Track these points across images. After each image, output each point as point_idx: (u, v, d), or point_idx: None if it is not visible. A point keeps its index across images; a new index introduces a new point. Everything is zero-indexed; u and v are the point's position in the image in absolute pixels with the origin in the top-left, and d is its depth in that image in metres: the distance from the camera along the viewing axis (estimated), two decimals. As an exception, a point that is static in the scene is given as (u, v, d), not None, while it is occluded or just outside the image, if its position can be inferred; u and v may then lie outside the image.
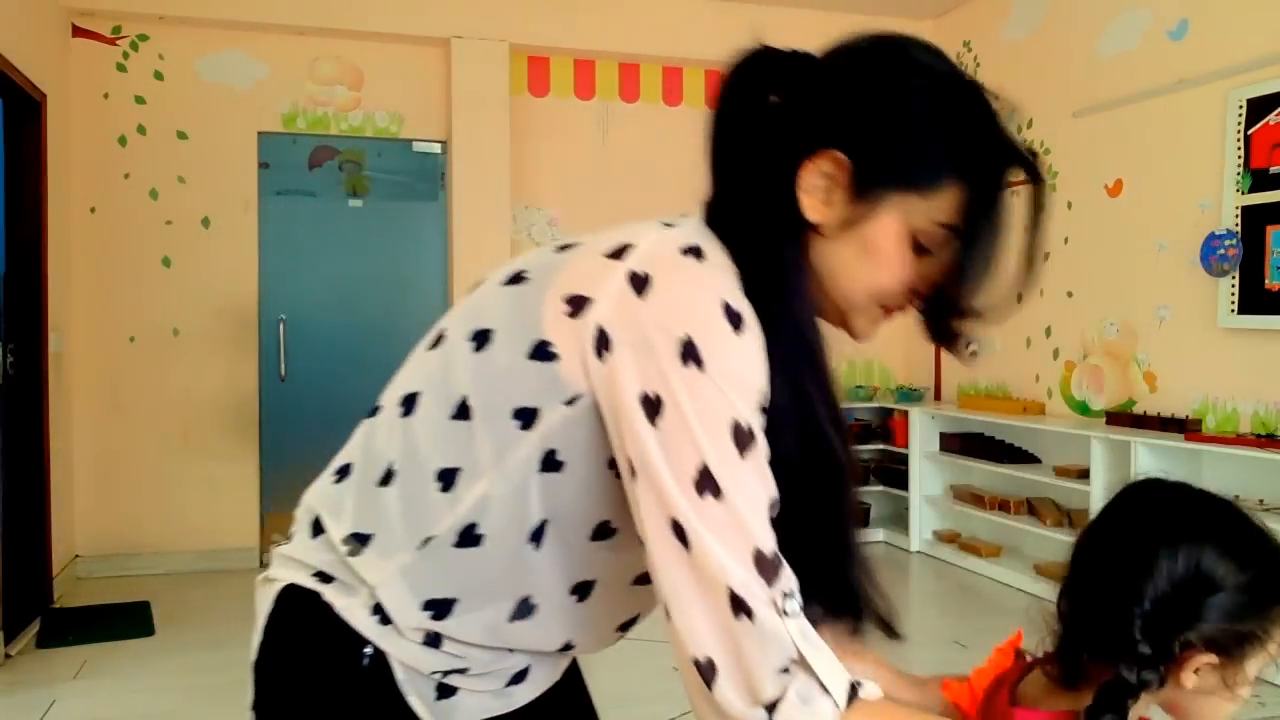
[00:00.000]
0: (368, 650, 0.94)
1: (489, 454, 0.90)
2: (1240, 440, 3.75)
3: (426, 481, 0.93)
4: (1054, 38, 5.04)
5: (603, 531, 0.93)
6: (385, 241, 5.39)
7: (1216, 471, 4.03)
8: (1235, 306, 3.96)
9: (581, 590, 0.97)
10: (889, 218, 0.90)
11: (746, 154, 0.99)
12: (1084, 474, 4.36)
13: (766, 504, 0.82)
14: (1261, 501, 3.79)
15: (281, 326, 5.21)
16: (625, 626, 1.07)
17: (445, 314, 1.03)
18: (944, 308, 0.97)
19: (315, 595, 0.96)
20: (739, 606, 0.78)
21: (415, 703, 0.96)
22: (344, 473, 1.04)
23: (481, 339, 0.92)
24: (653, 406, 0.81)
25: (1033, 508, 4.89)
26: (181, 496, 5.07)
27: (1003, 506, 5.02)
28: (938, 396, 5.99)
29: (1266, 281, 3.84)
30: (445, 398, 0.93)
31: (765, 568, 0.80)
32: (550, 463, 0.89)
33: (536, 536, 0.92)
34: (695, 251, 0.89)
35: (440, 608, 0.94)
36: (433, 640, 0.95)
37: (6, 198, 4.16)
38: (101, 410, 4.98)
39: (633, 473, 0.83)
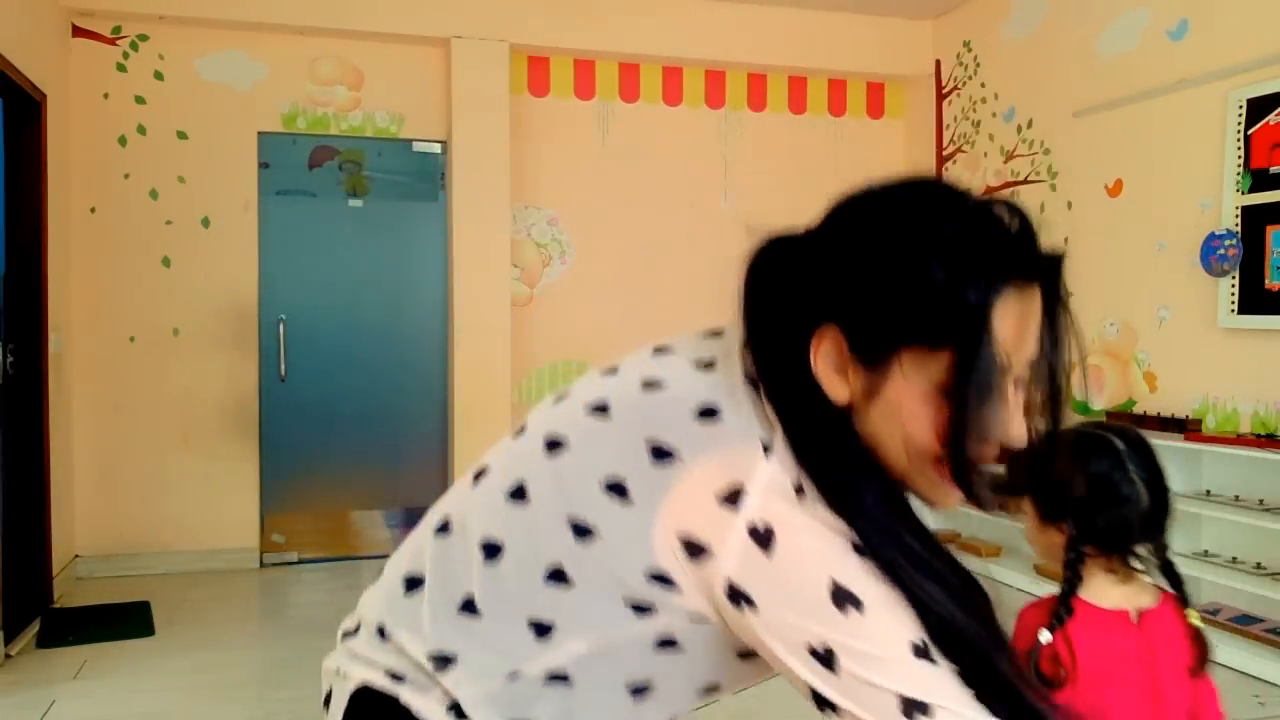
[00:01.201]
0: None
1: (594, 622, 0.90)
2: (1240, 440, 3.75)
3: (518, 625, 0.94)
4: (1054, 38, 5.04)
5: (710, 689, 0.98)
6: (385, 241, 5.39)
7: (1216, 471, 4.03)
8: (1235, 306, 3.96)
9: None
10: (902, 376, 0.85)
11: (773, 351, 0.92)
12: (1084, 474, 4.36)
13: (914, 645, 0.84)
14: (1262, 501, 3.79)
15: (281, 326, 5.21)
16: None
17: (530, 415, 1.06)
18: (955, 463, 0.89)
19: (390, 696, 0.98)
20: None
21: None
22: (415, 585, 1.03)
23: (579, 527, 0.91)
24: (826, 660, 0.82)
25: (1033, 508, 4.89)
26: (181, 496, 5.07)
27: (1003, 506, 5.01)
28: (938, 396, 5.98)
29: (1266, 281, 3.84)
30: (536, 558, 0.93)
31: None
32: (667, 643, 0.91)
33: (639, 691, 0.94)
34: (800, 490, 0.86)
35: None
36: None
37: (6, 198, 4.16)
38: (101, 410, 4.98)
39: (828, 705, 0.84)
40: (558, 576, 0.91)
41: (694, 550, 0.85)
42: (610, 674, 0.92)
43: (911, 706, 0.81)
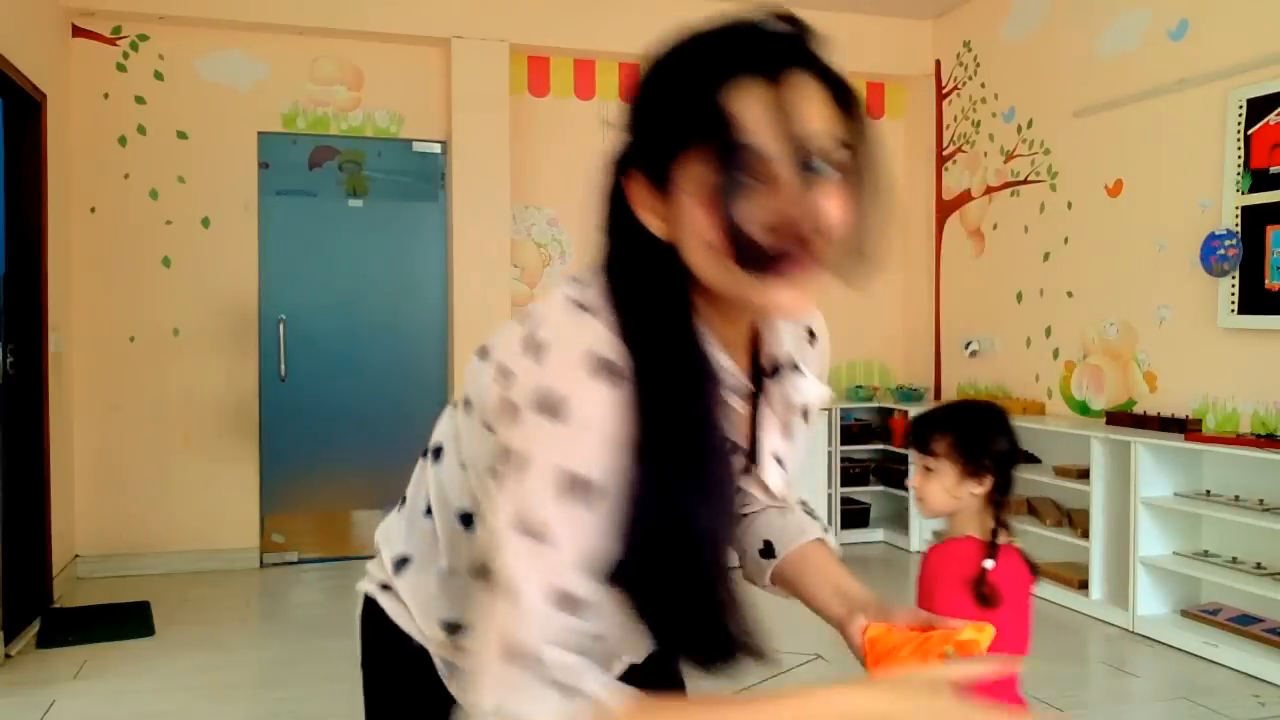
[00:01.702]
0: (412, 646, 1.09)
1: (485, 502, 0.98)
2: (1240, 440, 3.75)
3: (451, 518, 1.05)
4: (1054, 38, 5.04)
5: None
6: (385, 241, 5.39)
7: (1216, 471, 4.03)
8: (1235, 306, 3.96)
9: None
10: (686, 190, 0.84)
11: (606, 202, 0.95)
12: (1084, 474, 4.36)
13: (588, 552, 0.84)
14: (1262, 501, 3.79)
15: (281, 326, 5.21)
16: None
17: None
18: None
19: (377, 603, 1.13)
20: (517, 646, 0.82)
21: (455, 688, 1.07)
22: (401, 502, 1.16)
23: (468, 405, 1.01)
24: (506, 456, 0.86)
25: (1033, 508, 4.89)
26: (181, 496, 5.07)
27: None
28: (938, 396, 5.98)
29: (1266, 281, 3.84)
30: (457, 452, 1.03)
31: (563, 605, 0.83)
32: None
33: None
34: (580, 306, 0.89)
35: (453, 629, 1.06)
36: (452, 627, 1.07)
37: (6, 198, 4.16)
38: (101, 410, 4.98)
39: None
40: (463, 465, 1.02)
41: (501, 375, 0.91)
42: None
43: (527, 525, 0.83)
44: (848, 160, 0.88)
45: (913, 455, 1.74)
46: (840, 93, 0.89)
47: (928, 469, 1.70)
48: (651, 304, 0.89)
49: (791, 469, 1.08)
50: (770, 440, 1.02)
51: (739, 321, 0.96)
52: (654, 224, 0.88)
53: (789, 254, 0.83)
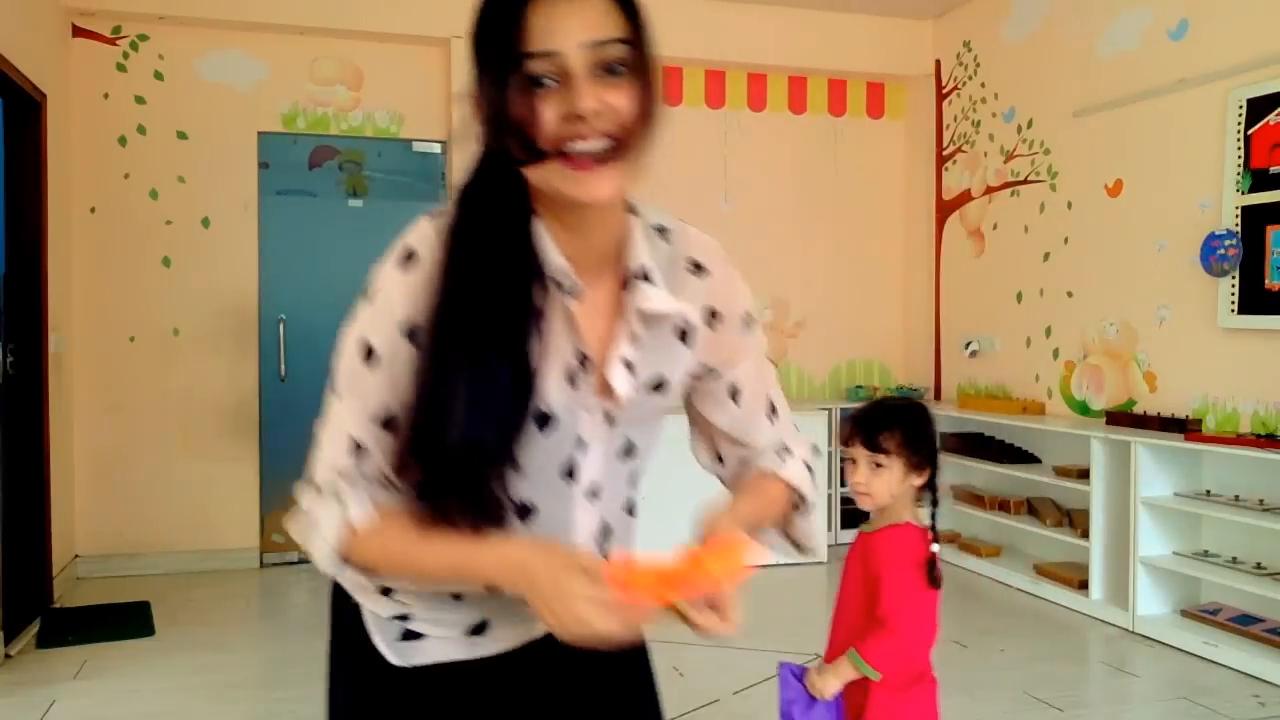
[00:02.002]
0: (350, 607, 1.16)
1: None
2: (1240, 440, 3.75)
3: None
4: (1054, 38, 5.04)
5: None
6: (385, 241, 5.22)
7: (1216, 471, 4.03)
8: (1235, 306, 3.96)
9: None
10: (510, 96, 0.96)
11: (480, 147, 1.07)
12: (1084, 474, 4.36)
13: (372, 407, 1.03)
14: (1262, 501, 3.79)
15: (281, 326, 5.21)
16: None
17: None
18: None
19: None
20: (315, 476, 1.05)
21: (378, 641, 1.13)
22: None
23: None
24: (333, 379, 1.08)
25: (1033, 508, 4.89)
26: (181, 496, 5.07)
27: (1003, 506, 5.02)
28: (938, 396, 5.98)
29: (1266, 281, 3.84)
30: None
31: (349, 448, 1.04)
32: None
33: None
34: (430, 215, 1.07)
35: (388, 590, 1.13)
36: (386, 590, 1.11)
37: (6, 198, 4.16)
38: (101, 410, 4.98)
39: None
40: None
41: None
42: None
43: (331, 383, 1.08)
44: (630, 61, 0.97)
45: (857, 452, 1.81)
46: (624, 3, 0.99)
47: (878, 465, 1.80)
48: (474, 204, 1.02)
49: (672, 385, 1.14)
50: (620, 347, 1.07)
51: (581, 230, 1.03)
52: (484, 130, 1.00)
53: (579, 144, 0.94)
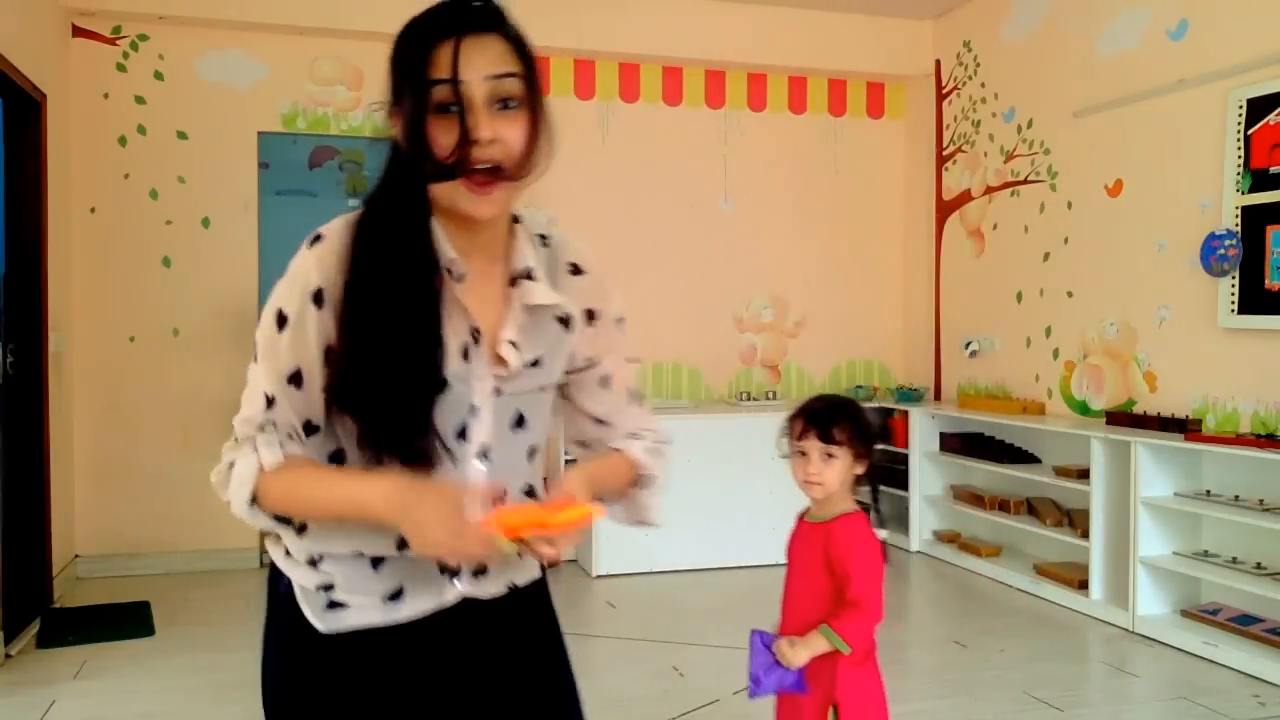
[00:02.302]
0: (285, 580, 1.28)
1: None
2: (1240, 440, 3.75)
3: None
4: (1054, 38, 5.04)
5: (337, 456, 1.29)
6: (385, 241, 5.38)
7: (1216, 471, 4.03)
8: (1235, 306, 3.96)
9: None
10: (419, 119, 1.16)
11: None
12: (1084, 474, 4.36)
13: (282, 368, 1.19)
14: (1262, 501, 3.79)
15: (281, 326, 5.20)
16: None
17: None
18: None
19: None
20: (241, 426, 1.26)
21: (307, 611, 1.25)
22: None
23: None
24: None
25: (1033, 508, 4.89)
26: (181, 496, 5.07)
27: (1003, 506, 5.02)
28: (938, 396, 5.99)
29: (1266, 281, 3.84)
30: None
31: (264, 403, 1.22)
32: None
33: (334, 457, 1.28)
34: (318, 239, 1.26)
35: (303, 528, 1.24)
36: (313, 561, 1.25)
37: (6, 198, 4.16)
38: (101, 410, 4.99)
39: None
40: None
41: None
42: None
43: (254, 347, 1.23)
44: (522, 96, 1.16)
45: (810, 445, 1.92)
46: (519, 46, 1.17)
47: (830, 455, 1.92)
48: (382, 201, 1.23)
49: (548, 366, 1.31)
50: (508, 330, 1.25)
51: (470, 232, 1.23)
52: (400, 136, 1.19)
53: (472, 166, 1.12)
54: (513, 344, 1.25)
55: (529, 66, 1.18)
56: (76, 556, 4.91)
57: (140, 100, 5.03)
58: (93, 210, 4.98)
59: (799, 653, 1.87)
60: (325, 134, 5.28)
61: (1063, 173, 4.99)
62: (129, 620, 4.19)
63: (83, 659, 3.72)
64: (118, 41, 5.01)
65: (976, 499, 5.20)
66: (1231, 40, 4.03)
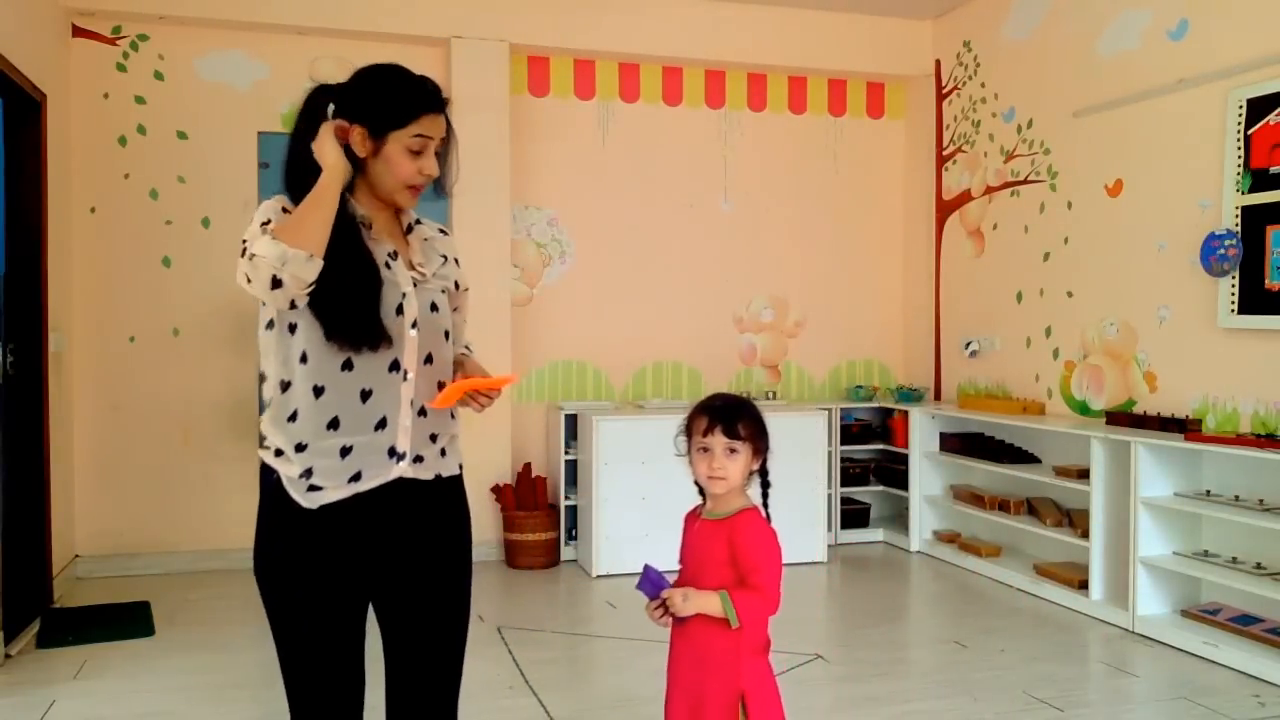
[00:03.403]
0: (274, 476, 1.78)
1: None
2: (1240, 440, 3.75)
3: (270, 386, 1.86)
4: (1054, 38, 5.04)
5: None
6: (385, 241, 5.38)
7: (1216, 471, 4.03)
8: (1235, 306, 3.96)
9: (317, 391, 1.76)
10: (393, 145, 1.80)
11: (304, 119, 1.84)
12: (1084, 474, 4.37)
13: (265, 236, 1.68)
14: (1262, 501, 3.79)
15: (281, 326, 5.20)
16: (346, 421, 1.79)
17: None
18: (437, 184, 1.89)
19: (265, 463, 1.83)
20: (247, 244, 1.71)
21: (293, 494, 1.76)
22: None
23: None
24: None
25: (1033, 508, 4.89)
26: (181, 496, 5.07)
27: (1003, 506, 5.02)
28: (938, 396, 5.99)
29: (1266, 281, 3.84)
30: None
31: (261, 226, 1.72)
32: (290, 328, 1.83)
33: (284, 388, 1.79)
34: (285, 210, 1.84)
35: (279, 453, 1.78)
36: (300, 447, 1.75)
37: (6, 198, 4.16)
38: (101, 410, 4.99)
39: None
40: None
41: None
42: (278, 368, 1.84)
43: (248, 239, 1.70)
44: (443, 145, 1.86)
45: (714, 441, 1.99)
46: (447, 120, 1.87)
47: (733, 451, 1.99)
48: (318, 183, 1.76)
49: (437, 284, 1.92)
50: (414, 254, 1.89)
51: (384, 210, 1.87)
52: (359, 150, 1.79)
53: (417, 187, 1.84)
54: (420, 266, 1.88)
55: (450, 131, 1.88)
56: (76, 556, 4.91)
57: (140, 100, 5.03)
58: (93, 210, 4.98)
59: (691, 602, 1.92)
60: (325, 134, 5.28)
61: (1063, 173, 4.99)
62: (129, 620, 4.19)
63: (83, 659, 3.72)
64: (118, 41, 5.01)
65: (976, 499, 5.20)
66: (1231, 40, 4.03)
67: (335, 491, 1.75)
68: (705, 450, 2.01)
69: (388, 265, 1.80)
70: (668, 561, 2.15)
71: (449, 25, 5.27)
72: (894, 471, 5.77)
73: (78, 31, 4.95)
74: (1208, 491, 4.03)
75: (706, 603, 1.92)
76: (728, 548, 1.96)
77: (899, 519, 5.87)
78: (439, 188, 1.89)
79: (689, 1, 5.63)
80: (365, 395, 1.76)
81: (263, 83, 5.19)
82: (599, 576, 4.95)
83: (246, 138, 5.17)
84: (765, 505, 2.04)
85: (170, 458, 5.07)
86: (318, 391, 1.74)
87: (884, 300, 6.29)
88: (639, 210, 5.79)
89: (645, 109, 5.81)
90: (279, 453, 1.76)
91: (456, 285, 1.96)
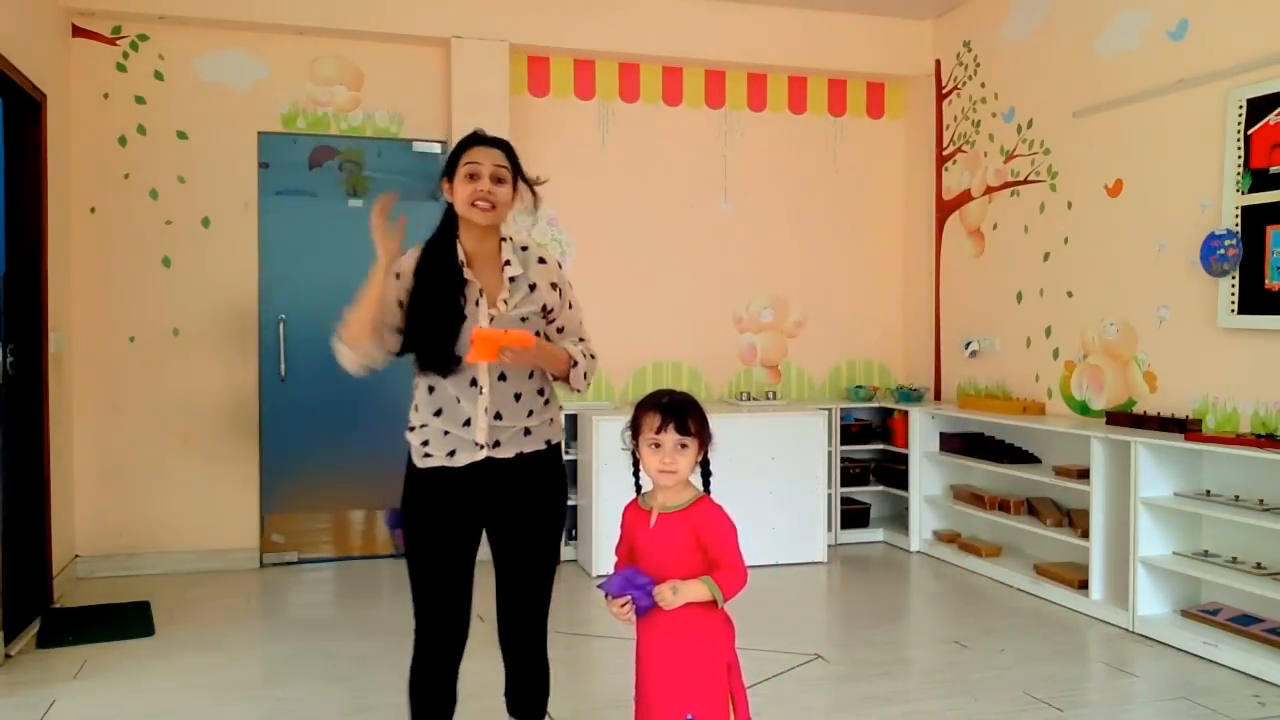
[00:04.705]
0: (408, 443, 2.40)
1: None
2: (1240, 440, 3.74)
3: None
4: (1054, 38, 5.04)
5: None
6: (385, 241, 5.37)
7: (1216, 471, 4.03)
8: (1235, 306, 3.96)
9: (430, 389, 2.37)
10: (457, 177, 2.36)
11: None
12: (1084, 474, 4.36)
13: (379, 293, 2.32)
14: (1262, 501, 3.79)
15: (281, 326, 5.21)
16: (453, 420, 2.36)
17: None
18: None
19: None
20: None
21: (415, 458, 2.37)
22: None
23: None
24: None
25: (1033, 508, 4.89)
26: (181, 496, 5.07)
27: (1003, 506, 5.02)
28: (938, 396, 5.99)
29: (1266, 281, 3.84)
30: None
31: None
32: None
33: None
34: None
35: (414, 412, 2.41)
36: (422, 427, 2.37)
37: (6, 198, 4.16)
38: (101, 410, 4.99)
39: None
40: None
41: None
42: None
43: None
44: (507, 170, 2.39)
45: (666, 437, 2.08)
46: (502, 146, 2.43)
47: (684, 445, 2.09)
48: (441, 227, 2.43)
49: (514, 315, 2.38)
50: (503, 292, 2.36)
51: (484, 247, 2.40)
52: (448, 196, 2.39)
53: (480, 203, 2.33)
54: (504, 300, 2.36)
55: (513, 160, 2.43)
56: (76, 556, 4.91)
57: (140, 100, 5.03)
58: (93, 210, 4.98)
59: (681, 595, 2.01)
60: (325, 134, 5.28)
61: (1063, 173, 4.99)
62: (129, 620, 4.19)
63: (83, 659, 3.72)
64: (118, 41, 5.01)
65: (976, 499, 5.20)
66: (1231, 40, 4.03)
67: (440, 460, 2.33)
68: (657, 446, 2.10)
69: (476, 303, 2.32)
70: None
71: (449, 25, 5.27)
72: (894, 471, 5.77)
73: (78, 31, 4.95)
74: (1208, 491, 4.03)
75: (694, 591, 2.02)
76: (693, 536, 2.07)
77: (899, 519, 5.87)
78: (495, 207, 2.36)
79: (689, 1, 5.63)
80: (457, 400, 2.31)
81: (263, 83, 5.19)
82: (599, 576, 4.95)
83: (246, 138, 5.17)
84: (707, 490, 2.18)
85: (170, 458, 5.07)
86: (430, 389, 2.34)
87: (884, 300, 6.29)
88: (639, 210, 5.79)
89: (645, 109, 5.81)
90: (410, 428, 2.38)
91: (545, 307, 2.40)
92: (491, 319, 2.30)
